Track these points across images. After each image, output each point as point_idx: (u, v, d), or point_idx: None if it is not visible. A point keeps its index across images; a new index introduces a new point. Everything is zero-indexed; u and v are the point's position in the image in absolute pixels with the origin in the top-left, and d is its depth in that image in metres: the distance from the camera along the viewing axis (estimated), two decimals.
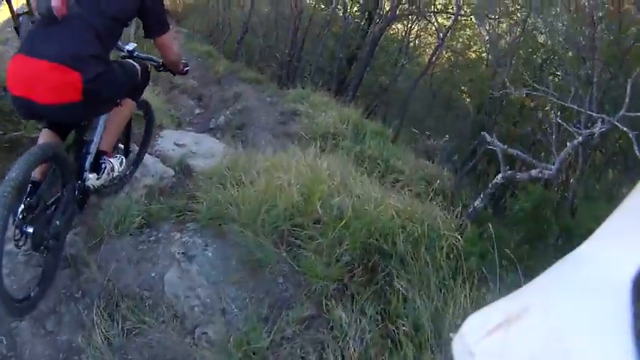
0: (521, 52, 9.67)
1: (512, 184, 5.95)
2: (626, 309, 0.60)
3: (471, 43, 14.11)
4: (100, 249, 3.79)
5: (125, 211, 4.08)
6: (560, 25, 7.90)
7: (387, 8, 12.43)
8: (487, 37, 10.19)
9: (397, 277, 3.51)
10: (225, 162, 5.20)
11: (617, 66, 7.41)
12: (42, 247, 3.16)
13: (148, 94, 5.08)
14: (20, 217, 2.98)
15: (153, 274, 3.67)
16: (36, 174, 3.13)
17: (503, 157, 4.52)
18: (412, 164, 7.41)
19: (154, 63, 4.01)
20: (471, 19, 11.02)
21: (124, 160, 4.06)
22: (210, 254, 3.77)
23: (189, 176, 5.38)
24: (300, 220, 3.75)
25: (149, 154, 5.99)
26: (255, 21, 16.80)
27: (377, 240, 3.70)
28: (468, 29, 13.40)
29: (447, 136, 9.82)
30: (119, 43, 3.70)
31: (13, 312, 2.97)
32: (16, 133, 4.77)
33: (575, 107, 5.56)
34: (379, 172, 6.99)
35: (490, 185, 4.56)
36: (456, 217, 4.53)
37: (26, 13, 4.90)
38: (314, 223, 3.73)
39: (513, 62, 9.15)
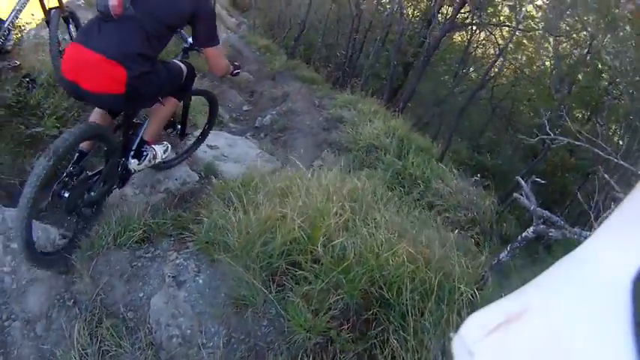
0: (580, 76, 9.02)
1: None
2: (626, 309, 0.61)
3: (535, 58, 13.46)
4: (96, 260, 3.67)
5: (126, 223, 3.93)
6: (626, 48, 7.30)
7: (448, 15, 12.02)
8: (545, 55, 9.58)
9: (394, 333, 3.12)
10: (242, 177, 4.89)
11: None
12: (73, 213, 3.72)
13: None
14: (60, 181, 3.53)
15: (141, 294, 3.52)
16: (84, 145, 3.75)
17: (535, 210, 4.06)
18: (454, 187, 6.94)
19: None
20: (531, 34, 10.35)
21: (169, 148, 4.59)
22: (200, 281, 3.52)
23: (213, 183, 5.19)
24: (298, 258, 3.39)
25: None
26: (316, 19, 16.60)
27: (381, 288, 3.31)
28: (532, 43, 12.75)
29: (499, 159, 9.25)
30: (183, 33, 4.22)
31: (39, 263, 3.42)
32: (37, 129, 4.86)
33: (626, 165, 4.89)
34: (419, 192, 6.61)
35: (520, 238, 4.08)
36: (479, 267, 4.08)
37: (57, 7, 4.88)
38: (314, 263, 3.36)
39: (573, 87, 8.58)
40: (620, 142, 9.06)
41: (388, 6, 12.23)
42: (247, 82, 12.91)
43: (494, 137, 14.36)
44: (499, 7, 12.16)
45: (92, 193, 3.83)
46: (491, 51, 14.33)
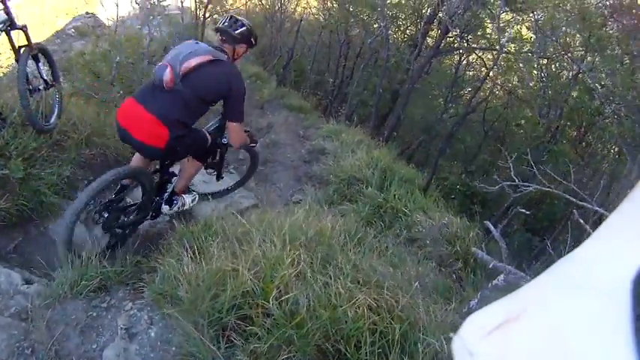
0: (574, 94, 8.86)
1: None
2: (626, 309, 0.61)
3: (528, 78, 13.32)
4: (53, 308, 3.62)
5: (83, 271, 3.88)
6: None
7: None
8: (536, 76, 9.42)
9: None
10: (204, 221, 4.81)
11: None
12: (109, 230, 4.64)
13: None
14: (104, 204, 4.52)
15: (94, 346, 3.43)
16: (125, 180, 4.70)
17: (507, 257, 3.89)
18: (437, 219, 6.72)
19: (224, 142, 5.35)
20: (515, 58, 10.20)
21: (197, 198, 5.54)
22: (152, 334, 3.42)
23: (187, 221, 5.08)
24: (250, 312, 3.22)
25: None
26: (306, 45, 16.58)
27: (338, 342, 3.12)
28: (523, 64, 12.59)
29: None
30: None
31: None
32: (2, 172, 4.85)
33: (601, 211, 4.57)
34: (400, 226, 6.42)
35: (490, 285, 3.90)
36: (449, 314, 3.90)
37: (27, 45, 4.86)
38: (265, 317, 3.19)
39: (560, 110, 8.43)
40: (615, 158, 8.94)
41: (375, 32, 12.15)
42: None
43: (489, 159, 14.14)
44: (487, 30, 12.09)
45: (126, 219, 4.79)
46: (484, 73, 14.26)
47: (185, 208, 5.34)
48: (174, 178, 5.17)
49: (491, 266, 3.94)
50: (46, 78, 5.67)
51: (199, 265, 3.64)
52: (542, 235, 8.50)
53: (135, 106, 4.25)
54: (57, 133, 5.62)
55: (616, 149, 8.36)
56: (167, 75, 4.17)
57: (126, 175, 4.52)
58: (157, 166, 5.09)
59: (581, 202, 4.35)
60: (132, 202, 4.94)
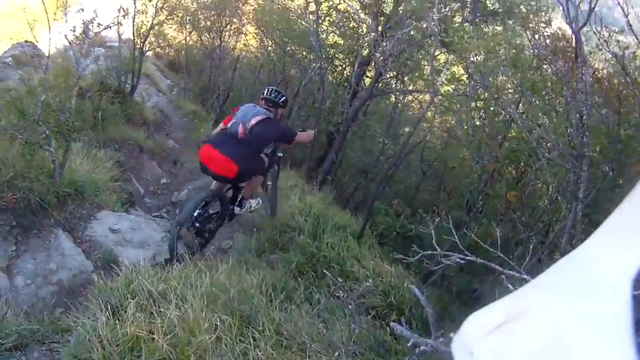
0: (503, 143, 8.86)
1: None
2: (626, 309, 0.62)
3: (464, 120, 13.36)
4: None
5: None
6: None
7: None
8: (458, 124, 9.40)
9: None
10: (127, 275, 4.53)
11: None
12: (200, 235, 6.49)
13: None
14: (196, 216, 6.15)
15: None
16: (209, 199, 6.47)
17: (434, 323, 3.69)
18: (371, 268, 6.54)
19: (279, 155, 7.55)
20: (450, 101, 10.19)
21: (260, 202, 7.51)
22: None
23: (111, 271, 5.01)
24: None
25: (78, 241, 6.02)
26: (244, 85, 16.46)
27: None
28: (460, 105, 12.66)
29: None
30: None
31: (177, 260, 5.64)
32: None
33: (528, 279, 4.36)
34: (332, 277, 6.19)
35: (417, 352, 3.68)
36: None
37: None
38: None
39: (492, 154, 8.40)
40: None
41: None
42: (171, 150, 12.53)
43: (428, 198, 14.16)
44: (424, 71, 12.15)
45: (211, 225, 6.67)
46: (420, 114, 14.28)
47: (252, 208, 7.30)
48: (242, 191, 6.98)
49: (410, 344, 3.73)
50: None
51: (115, 328, 3.45)
52: (483, 274, 8.36)
53: (212, 151, 6.10)
54: None
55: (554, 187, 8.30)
56: (240, 129, 6.13)
57: (212, 197, 6.58)
58: (229, 186, 6.95)
59: (508, 272, 4.15)
60: (213, 212, 6.65)
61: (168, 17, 13.91)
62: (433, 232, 4.90)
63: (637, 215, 0.72)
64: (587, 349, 0.61)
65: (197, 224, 6.24)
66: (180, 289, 4.04)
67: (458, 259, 4.43)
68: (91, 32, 6.69)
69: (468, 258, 4.37)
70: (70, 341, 3.59)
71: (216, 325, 3.57)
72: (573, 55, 6.22)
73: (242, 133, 6.10)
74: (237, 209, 6.99)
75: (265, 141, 6.48)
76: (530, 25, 7.69)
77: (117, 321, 3.52)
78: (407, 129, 14.38)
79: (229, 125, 6.28)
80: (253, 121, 6.14)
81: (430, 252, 4.86)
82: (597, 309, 0.64)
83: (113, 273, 4.86)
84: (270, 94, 6.62)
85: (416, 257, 4.97)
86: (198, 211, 6.18)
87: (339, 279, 6.16)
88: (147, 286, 4.10)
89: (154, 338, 3.28)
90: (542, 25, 7.91)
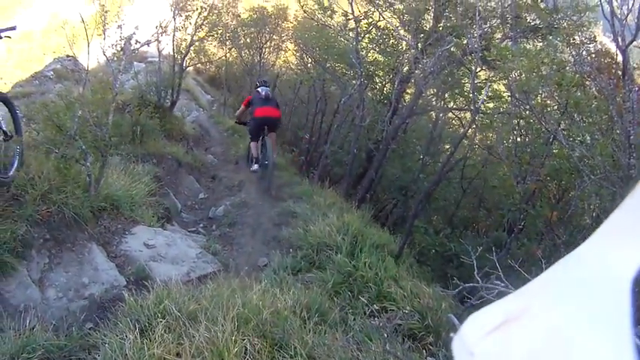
0: (545, 162, 8.63)
1: None
2: (627, 309, 0.61)
3: (505, 137, 13.06)
4: None
5: (24, 343, 3.76)
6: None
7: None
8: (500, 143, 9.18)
9: None
10: (157, 292, 4.52)
11: None
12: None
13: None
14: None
15: None
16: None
17: None
18: (409, 289, 6.39)
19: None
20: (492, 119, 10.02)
21: (257, 168, 10.63)
22: None
23: (143, 287, 5.02)
24: None
25: (112, 255, 5.96)
26: (284, 100, 16.51)
27: None
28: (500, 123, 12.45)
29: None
30: None
31: None
32: None
33: None
34: (369, 297, 6.08)
35: None
36: None
37: None
38: None
39: (534, 173, 8.19)
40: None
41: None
42: (210, 165, 12.64)
43: (468, 216, 13.94)
44: (464, 88, 12.00)
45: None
46: (461, 132, 14.06)
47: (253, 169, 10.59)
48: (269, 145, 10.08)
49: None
50: (5, 129, 5.49)
51: (142, 348, 3.44)
52: None
53: (264, 107, 10.19)
54: (14, 187, 5.38)
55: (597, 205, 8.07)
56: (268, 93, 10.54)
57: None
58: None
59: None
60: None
61: (208, 34, 14.08)
62: (474, 260, 4.78)
63: (637, 215, 0.71)
64: (587, 349, 0.61)
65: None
66: (211, 310, 3.99)
67: (500, 289, 4.31)
68: (129, 49, 6.76)
69: (510, 291, 4.23)
70: (96, 359, 3.59)
71: (246, 348, 3.52)
72: (619, 72, 6.06)
73: (266, 97, 10.49)
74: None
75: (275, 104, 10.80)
76: (573, 41, 7.51)
77: (145, 341, 3.51)
78: (447, 146, 14.24)
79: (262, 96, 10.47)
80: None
81: (471, 284, 4.76)
82: (597, 309, 0.64)
83: (145, 290, 4.86)
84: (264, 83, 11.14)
85: (456, 290, 4.87)
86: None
87: (376, 301, 6.06)
88: (177, 305, 4.08)
89: None
90: (586, 41, 7.73)
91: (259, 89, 10.53)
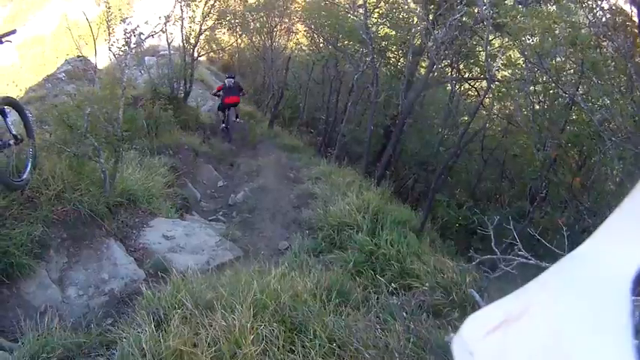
0: (565, 128, 8.44)
1: None
2: (626, 308, 0.61)
3: (523, 105, 12.80)
4: None
5: (44, 342, 3.77)
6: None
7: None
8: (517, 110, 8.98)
9: None
10: (174, 282, 4.50)
11: None
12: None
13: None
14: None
15: None
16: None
17: None
18: (432, 264, 6.29)
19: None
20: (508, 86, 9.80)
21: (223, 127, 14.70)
22: None
23: (162, 279, 4.98)
24: None
25: (131, 249, 5.97)
26: (297, 83, 16.45)
27: None
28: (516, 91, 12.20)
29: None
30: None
31: None
32: None
33: None
34: (392, 274, 6.00)
35: None
36: None
37: None
38: None
39: (554, 140, 8.00)
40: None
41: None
42: (229, 151, 12.62)
43: (490, 187, 13.77)
44: (479, 57, 11.80)
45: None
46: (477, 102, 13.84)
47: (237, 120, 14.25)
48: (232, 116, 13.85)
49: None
50: (15, 133, 5.48)
51: (159, 341, 3.42)
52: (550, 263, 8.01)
53: (229, 96, 13.69)
54: (29, 190, 5.38)
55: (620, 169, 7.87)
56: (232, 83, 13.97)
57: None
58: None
59: None
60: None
61: (217, 22, 14.08)
62: (492, 231, 4.67)
63: (637, 215, 0.71)
64: (586, 348, 0.61)
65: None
66: (227, 297, 3.96)
67: (521, 261, 4.20)
68: (133, 43, 6.70)
69: (531, 261, 4.13)
70: (114, 354, 3.59)
71: (264, 334, 3.48)
72: (635, 30, 5.88)
73: (230, 86, 13.55)
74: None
75: (238, 90, 14.00)
76: (586, 2, 7.29)
77: (161, 333, 3.49)
78: (465, 117, 14.06)
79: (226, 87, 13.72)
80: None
81: (489, 256, 4.65)
82: (597, 309, 0.64)
83: (163, 282, 4.85)
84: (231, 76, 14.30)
85: (474, 262, 4.77)
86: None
87: (399, 278, 5.98)
88: (193, 295, 4.06)
89: (196, 352, 3.22)
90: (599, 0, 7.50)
91: (226, 81, 14.10)
